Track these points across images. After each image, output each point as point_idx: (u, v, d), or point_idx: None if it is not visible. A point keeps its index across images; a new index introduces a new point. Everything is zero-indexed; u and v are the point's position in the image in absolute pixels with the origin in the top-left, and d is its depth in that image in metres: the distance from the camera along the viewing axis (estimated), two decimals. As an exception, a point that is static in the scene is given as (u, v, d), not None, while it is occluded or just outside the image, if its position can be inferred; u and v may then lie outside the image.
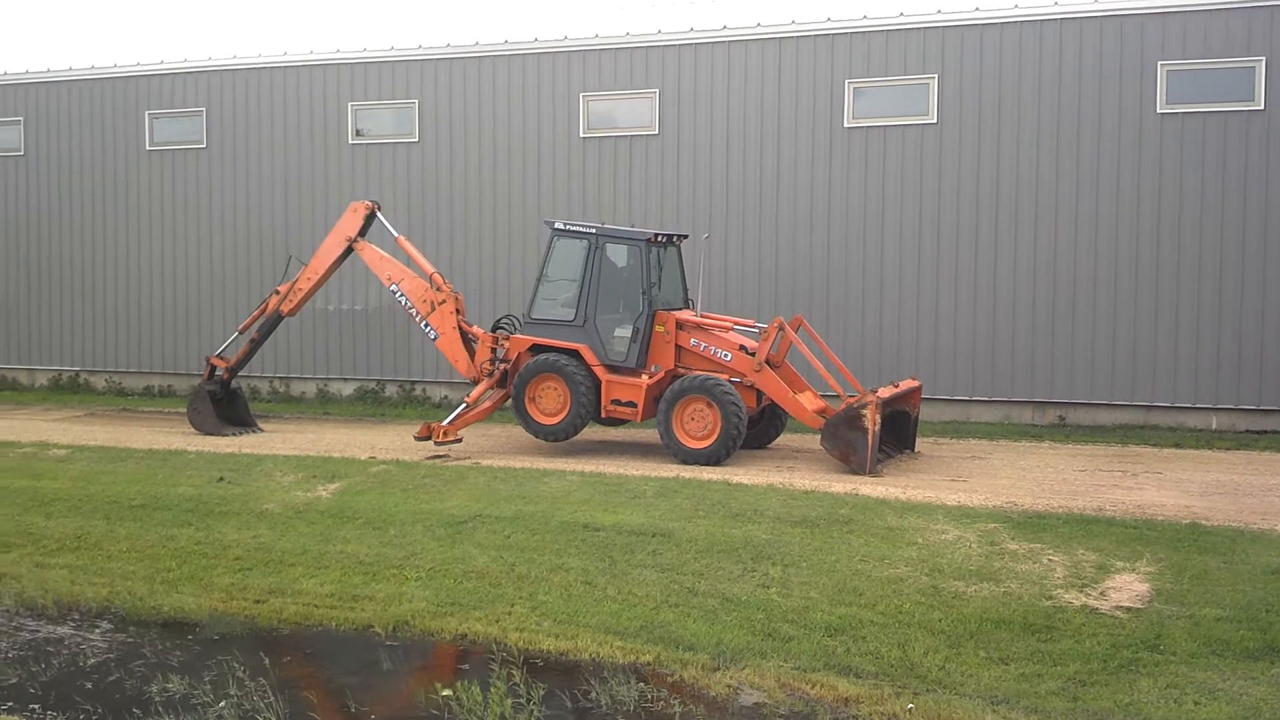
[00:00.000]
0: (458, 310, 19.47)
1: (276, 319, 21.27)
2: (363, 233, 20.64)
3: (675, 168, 23.36)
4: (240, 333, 21.51)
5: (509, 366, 18.74)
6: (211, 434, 20.81)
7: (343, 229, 20.78)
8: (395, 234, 20.67)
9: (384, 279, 20.16)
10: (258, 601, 12.75)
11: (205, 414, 21.22)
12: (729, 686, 10.21)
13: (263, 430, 21.43)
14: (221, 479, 16.89)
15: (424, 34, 25.75)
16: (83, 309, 28.09)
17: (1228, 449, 18.72)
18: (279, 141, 26.25)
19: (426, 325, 19.61)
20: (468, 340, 19.35)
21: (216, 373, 21.42)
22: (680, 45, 23.26)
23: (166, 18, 33.72)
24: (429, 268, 19.88)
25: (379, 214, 20.71)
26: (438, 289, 19.49)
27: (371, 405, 25.01)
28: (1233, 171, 20.20)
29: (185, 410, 22.04)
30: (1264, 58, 19.91)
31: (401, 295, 19.84)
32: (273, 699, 9.85)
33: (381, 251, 20.42)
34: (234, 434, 20.90)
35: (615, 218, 23.46)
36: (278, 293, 21.07)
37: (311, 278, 20.86)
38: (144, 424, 22.73)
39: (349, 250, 20.67)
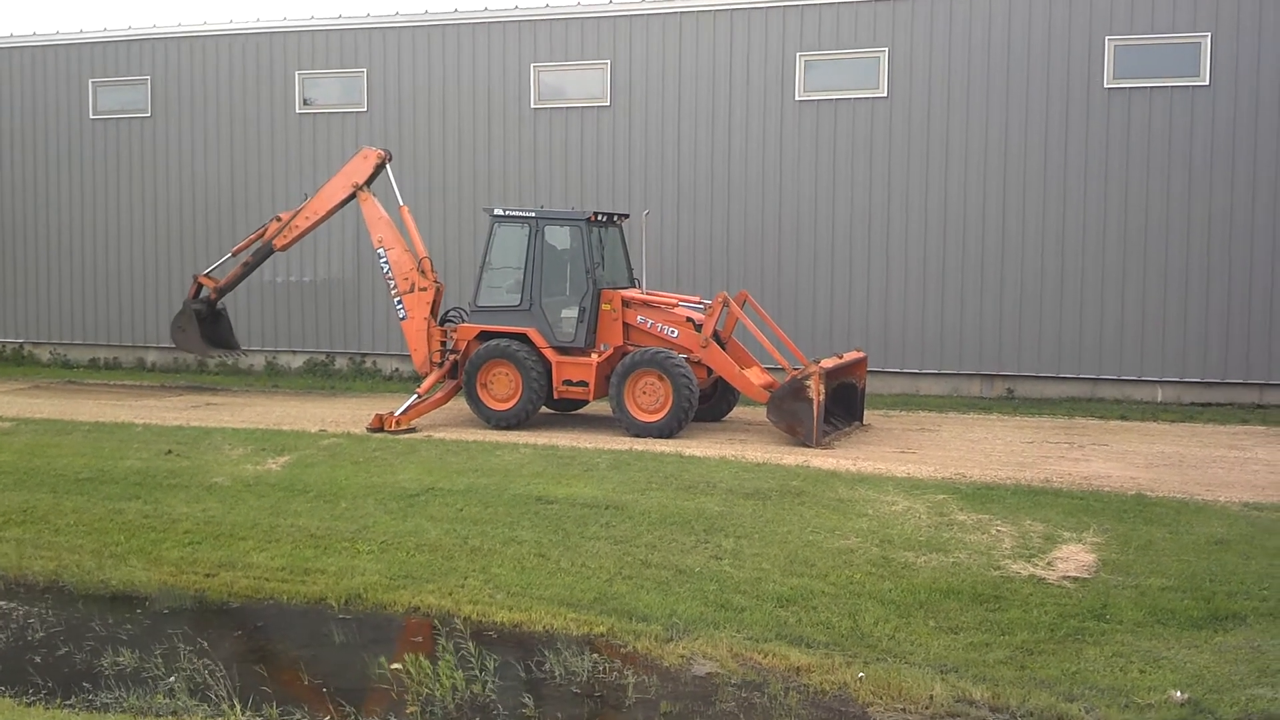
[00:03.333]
0: (435, 302, 19.14)
1: (268, 250, 20.86)
2: (369, 182, 20.05)
3: (627, 140, 23.30)
4: (233, 255, 21.15)
5: (458, 357, 18.64)
6: (195, 354, 20.62)
7: (350, 173, 20.20)
8: (400, 202, 19.90)
9: (375, 239, 19.56)
10: (208, 575, 12.68)
11: (190, 333, 20.89)
12: (682, 657, 10.27)
13: (246, 353, 21.26)
14: (169, 451, 16.74)
15: (372, 2, 25.51)
16: (26, 280, 27.66)
17: (1173, 421, 19.00)
18: (225, 111, 25.91)
19: (399, 303, 19.18)
20: (430, 334, 19.07)
21: (203, 292, 21.11)
22: (632, 16, 23.17)
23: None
24: (423, 250, 19.28)
25: (388, 167, 20.15)
26: (423, 274, 19.03)
27: (321, 378, 24.82)
28: (1178, 146, 20.42)
29: (170, 331, 21.84)
30: (1209, 33, 20.11)
31: (386, 263, 19.30)
32: (224, 672, 9.81)
33: (383, 211, 19.68)
34: (219, 356, 20.68)
35: (566, 190, 23.40)
36: (279, 219, 20.62)
37: (311, 217, 20.38)
38: (90, 396, 22.45)
39: (352, 196, 20.08)
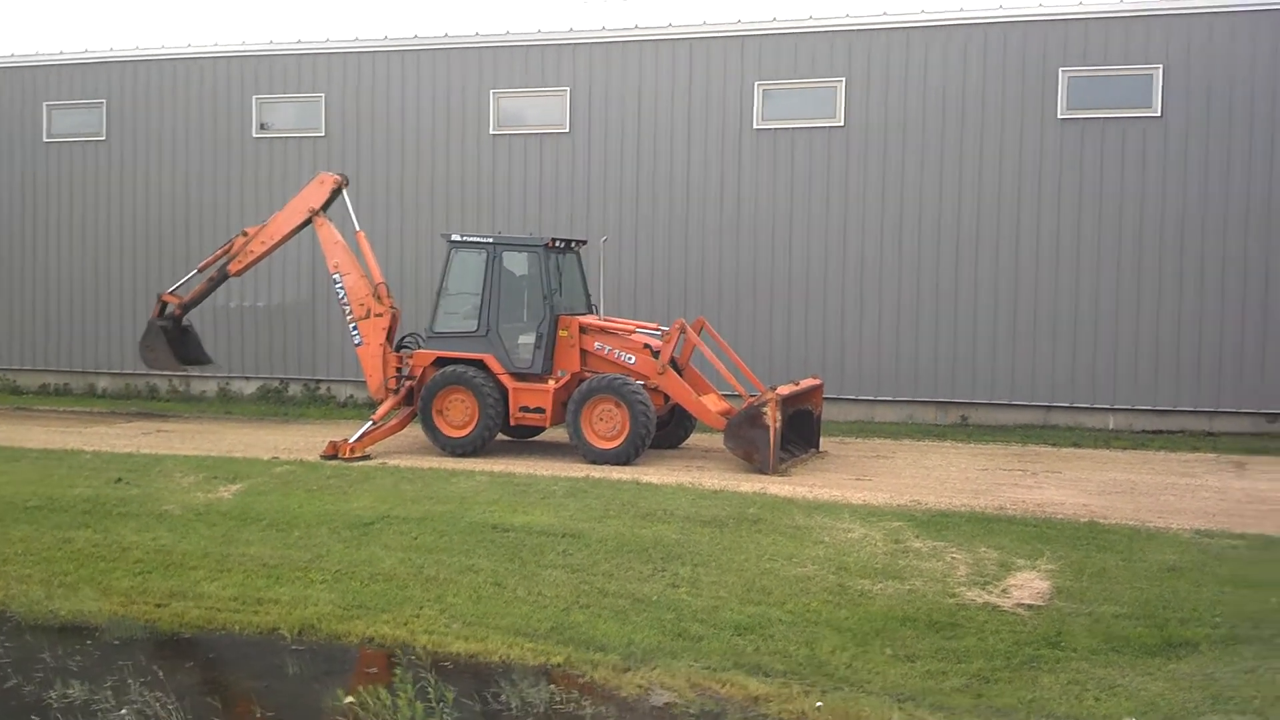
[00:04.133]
0: (390, 328, 19.03)
1: (224, 275, 20.69)
2: (325, 207, 19.92)
3: (586, 167, 23.33)
4: (199, 271, 20.93)
5: (414, 383, 18.55)
6: (167, 370, 20.47)
7: (306, 198, 20.07)
8: (357, 227, 19.75)
9: (331, 264, 19.46)
10: (159, 605, 12.50)
11: (159, 350, 20.67)
12: (640, 687, 10.22)
13: (216, 363, 21.19)
14: (119, 480, 16.52)
15: (332, 27, 25.43)
16: (-25, 304, 27.31)
17: (1125, 449, 19.16)
18: (181, 134, 25.74)
19: (355, 328, 19.05)
20: (386, 360, 18.96)
21: (168, 309, 20.88)
22: (592, 44, 23.24)
23: (66, 5, 32.87)
24: (379, 276, 19.20)
25: (344, 193, 20.03)
26: (379, 300, 18.95)
27: (275, 404, 24.62)
28: (1130, 177, 20.67)
29: (139, 351, 21.59)
30: (1161, 65, 20.40)
31: (341, 289, 19.19)
32: (176, 704, 9.66)
33: (339, 236, 19.58)
34: (189, 372, 20.57)
35: (525, 216, 23.38)
36: (245, 234, 20.42)
37: (266, 242, 20.17)
38: (39, 423, 22.16)
39: (308, 222, 19.94)
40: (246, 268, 20.64)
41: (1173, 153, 20.44)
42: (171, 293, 21.24)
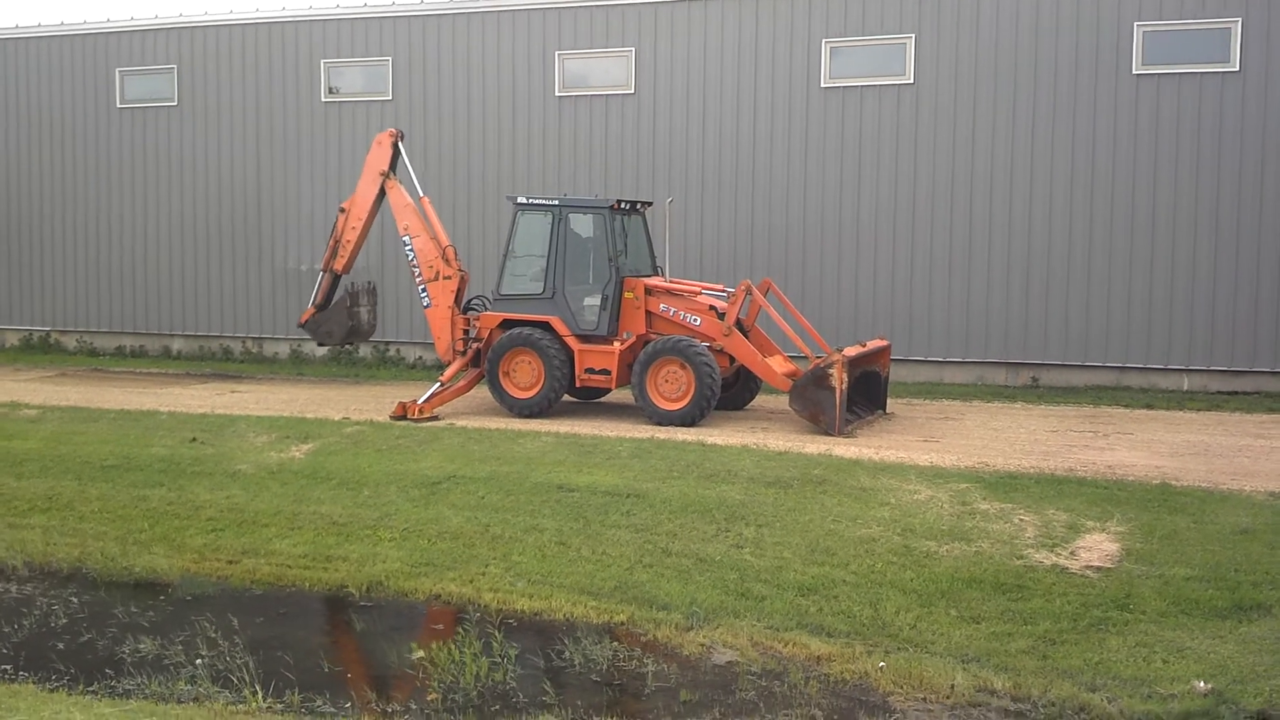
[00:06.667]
0: (459, 291, 19.01)
1: (335, 279, 20.16)
2: (393, 167, 19.64)
3: (651, 128, 23.24)
4: (323, 270, 20.27)
5: (481, 345, 18.65)
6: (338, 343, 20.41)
7: (374, 165, 19.76)
8: (421, 193, 19.63)
9: (400, 226, 19.40)
10: (230, 562, 12.74)
11: (336, 329, 20.12)
12: (702, 645, 10.26)
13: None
14: (194, 439, 16.81)
15: (397, -9, 25.48)
16: (53, 268, 27.84)
17: (1199, 410, 18.83)
18: (251, 99, 25.98)
19: (424, 290, 19.09)
20: (454, 323, 19.02)
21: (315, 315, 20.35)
22: (657, 3, 23.07)
23: (136, -26, 33.30)
24: (445, 240, 19.18)
25: (405, 157, 19.74)
26: (447, 263, 18.93)
27: (345, 366, 24.89)
28: (1207, 133, 20.20)
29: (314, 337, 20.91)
30: (1240, 19, 19.89)
31: (411, 251, 19.20)
32: (246, 659, 9.85)
33: (408, 198, 19.47)
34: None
35: (590, 177, 23.36)
36: (342, 210, 19.92)
37: (356, 226, 19.81)
38: (116, 384, 22.59)
39: (383, 188, 19.60)
40: (351, 260, 20.07)
41: (1251, 107, 19.93)
42: (310, 306, 20.66)
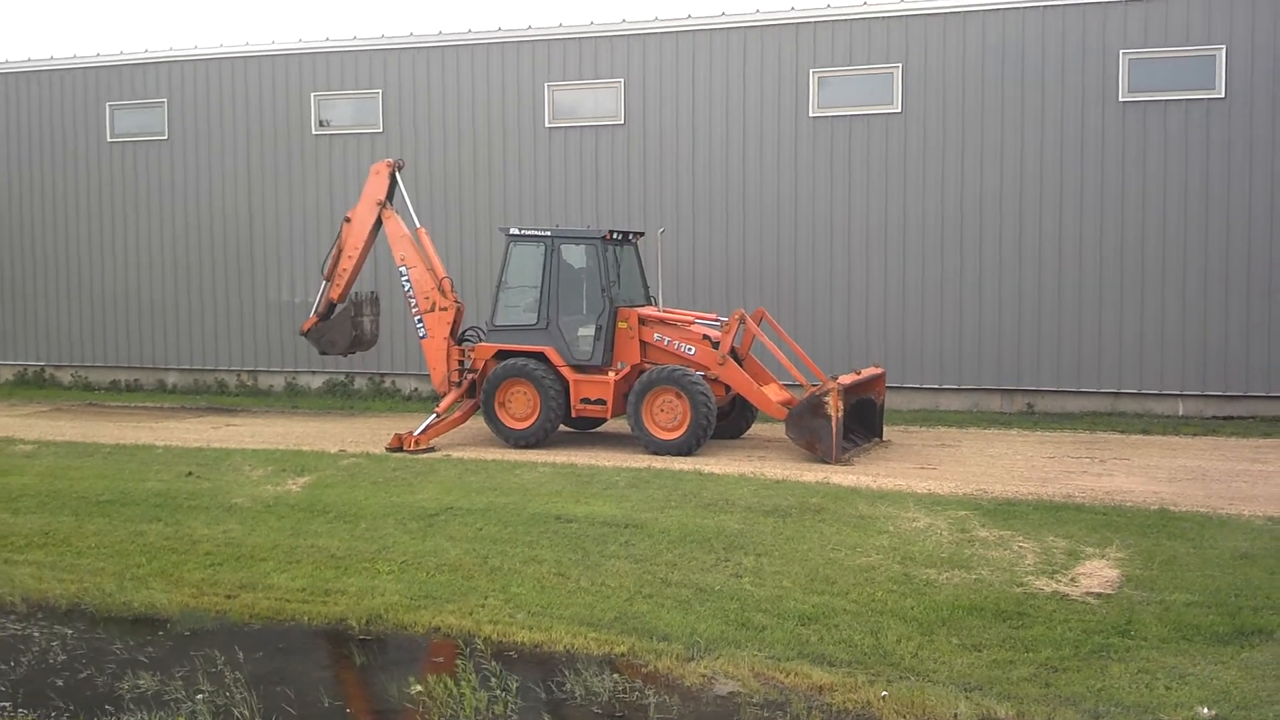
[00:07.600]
0: (455, 322, 19.04)
1: (330, 308, 20.14)
2: (390, 197, 19.68)
3: (641, 158, 23.34)
4: (326, 279, 20.14)
5: (476, 376, 18.67)
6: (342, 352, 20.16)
7: (371, 195, 19.74)
8: (418, 224, 19.68)
9: (397, 257, 19.41)
10: (229, 597, 12.68)
11: (339, 333, 20.06)
12: (703, 676, 10.23)
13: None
14: (190, 473, 16.78)
15: (387, 24, 25.65)
16: (47, 303, 27.81)
17: (1194, 435, 18.90)
18: (241, 132, 26.05)
19: (420, 321, 19.13)
20: (449, 354, 19.03)
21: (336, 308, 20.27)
22: (645, 35, 23.23)
23: (127, 8, 33.37)
24: (441, 271, 19.23)
25: (402, 188, 19.76)
26: (443, 294, 18.98)
27: (341, 398, 24.88)
28: (1194, 160, 20.36)
29: (316, 346, 20.75)
30: (1224, 46, 20.06)
31: (407, 281, 19.23)
32: (246, 694, 9.80)
33: (405, 229, 19.48)
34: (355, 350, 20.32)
35: (581, 209, 23.44)
36: (348, 220, 19.85)
37: (352, 255, 19.74)
38: (111, 419, 22.54)
39: (380, 218, 19.59)
40: (347, 287, 20.01)
41: (1237, 133, 20.10)
42: (313, 315, 20.61)
